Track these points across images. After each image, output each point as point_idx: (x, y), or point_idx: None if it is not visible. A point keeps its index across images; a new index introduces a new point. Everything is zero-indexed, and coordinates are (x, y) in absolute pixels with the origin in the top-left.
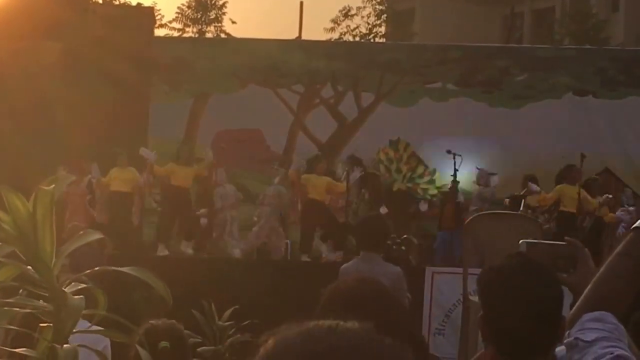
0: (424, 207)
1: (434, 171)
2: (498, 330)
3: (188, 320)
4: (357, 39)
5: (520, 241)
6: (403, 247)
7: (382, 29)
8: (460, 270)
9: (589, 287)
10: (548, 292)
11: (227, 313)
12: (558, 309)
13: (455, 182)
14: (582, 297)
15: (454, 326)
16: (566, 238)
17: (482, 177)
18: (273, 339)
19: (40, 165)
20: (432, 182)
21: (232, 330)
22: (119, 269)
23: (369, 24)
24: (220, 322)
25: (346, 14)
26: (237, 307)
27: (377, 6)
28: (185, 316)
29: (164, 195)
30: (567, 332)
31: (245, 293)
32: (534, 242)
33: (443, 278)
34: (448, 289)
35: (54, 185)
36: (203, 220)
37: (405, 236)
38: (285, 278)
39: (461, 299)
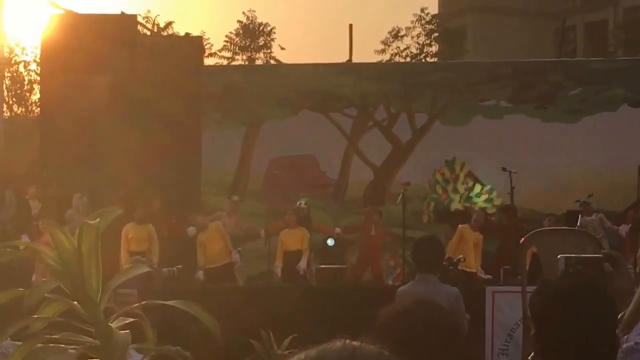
0: None
1: (492, 189)
2: (552, 352)
3: (247, 350)
4: (408, 59)
5: (559, 256)
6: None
7: (433, 49)
8: (520, 289)
9: None
10: (601, 312)
11: (287, 341)
12: (610, 329)
13: None
14: (634, 301)
15: (517, 345)
16: (603, 251)
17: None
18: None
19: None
20: (489, 200)
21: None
22: (166, 302)
23: (419, 44)
24: (279, 351)
25: (395, 35)
26: (295, 335)
27: (427, 25)
28: (244, 346)
29: None
30: (625, 337)
31: (304, 320)
32: (571, 256)
33: (503, 297)
34: (509, 308)
35: (98, 220)
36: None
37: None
38: (343, 303)
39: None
